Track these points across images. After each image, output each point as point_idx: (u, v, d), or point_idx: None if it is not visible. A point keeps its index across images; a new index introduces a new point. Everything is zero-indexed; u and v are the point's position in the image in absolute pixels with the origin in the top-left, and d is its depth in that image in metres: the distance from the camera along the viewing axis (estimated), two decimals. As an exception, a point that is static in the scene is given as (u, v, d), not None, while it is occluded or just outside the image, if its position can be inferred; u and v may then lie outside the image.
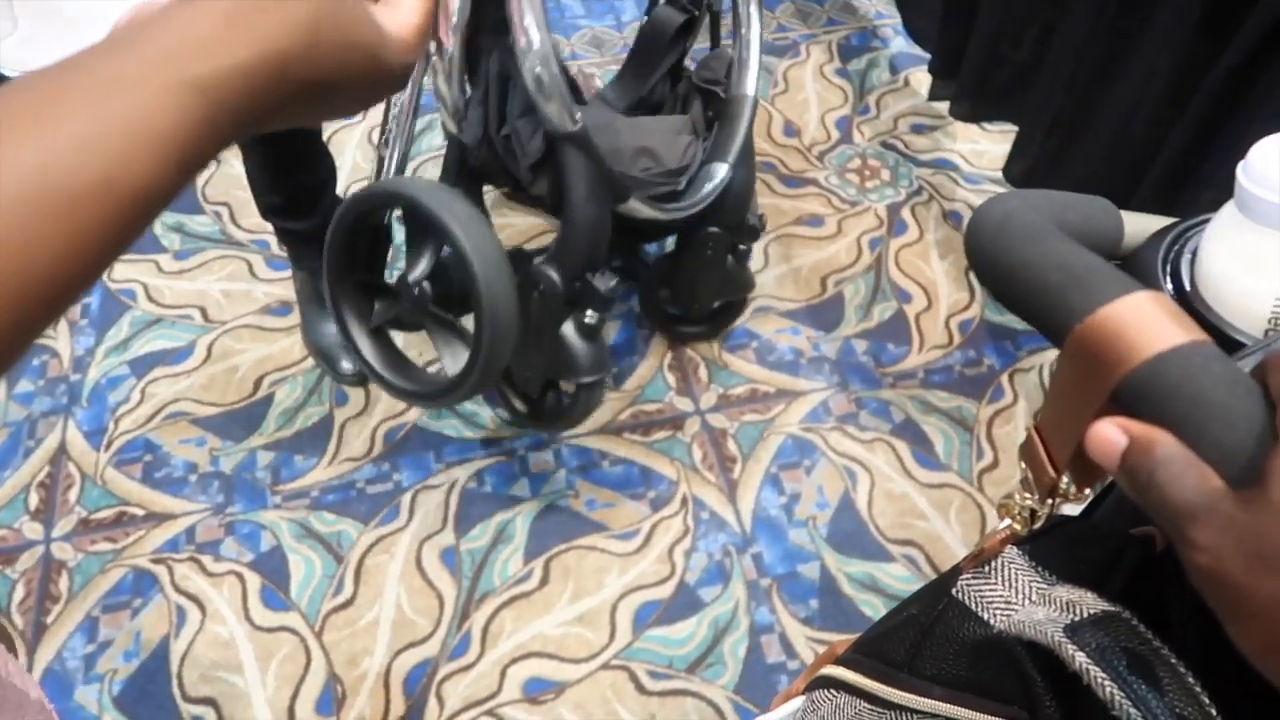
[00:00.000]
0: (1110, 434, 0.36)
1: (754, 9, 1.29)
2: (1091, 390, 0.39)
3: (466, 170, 1.16)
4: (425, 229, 1.06)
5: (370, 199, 1.10)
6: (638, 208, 1.16)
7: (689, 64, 1.35)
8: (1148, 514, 0.35)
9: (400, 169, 1.24)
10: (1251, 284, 0.43)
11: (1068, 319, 0.40)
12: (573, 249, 1.10)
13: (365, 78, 0.37)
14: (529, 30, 0.99)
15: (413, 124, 1.20)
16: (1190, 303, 0.46)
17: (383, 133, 1.22)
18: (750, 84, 1.29)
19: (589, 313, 1.18)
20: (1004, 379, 1.51)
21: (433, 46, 1.08)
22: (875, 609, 1.28)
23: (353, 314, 1.16)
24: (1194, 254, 0.47)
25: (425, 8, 0.41)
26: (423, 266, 1.09)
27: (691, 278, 1.38)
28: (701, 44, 1.35)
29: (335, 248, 1.12)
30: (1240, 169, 0.43)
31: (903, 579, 1.31)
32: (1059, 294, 0.41)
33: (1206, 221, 0.48)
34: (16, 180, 0.26)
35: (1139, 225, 0.52)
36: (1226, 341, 0.44)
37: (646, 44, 1.29)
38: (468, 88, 1.14)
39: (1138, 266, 0.49)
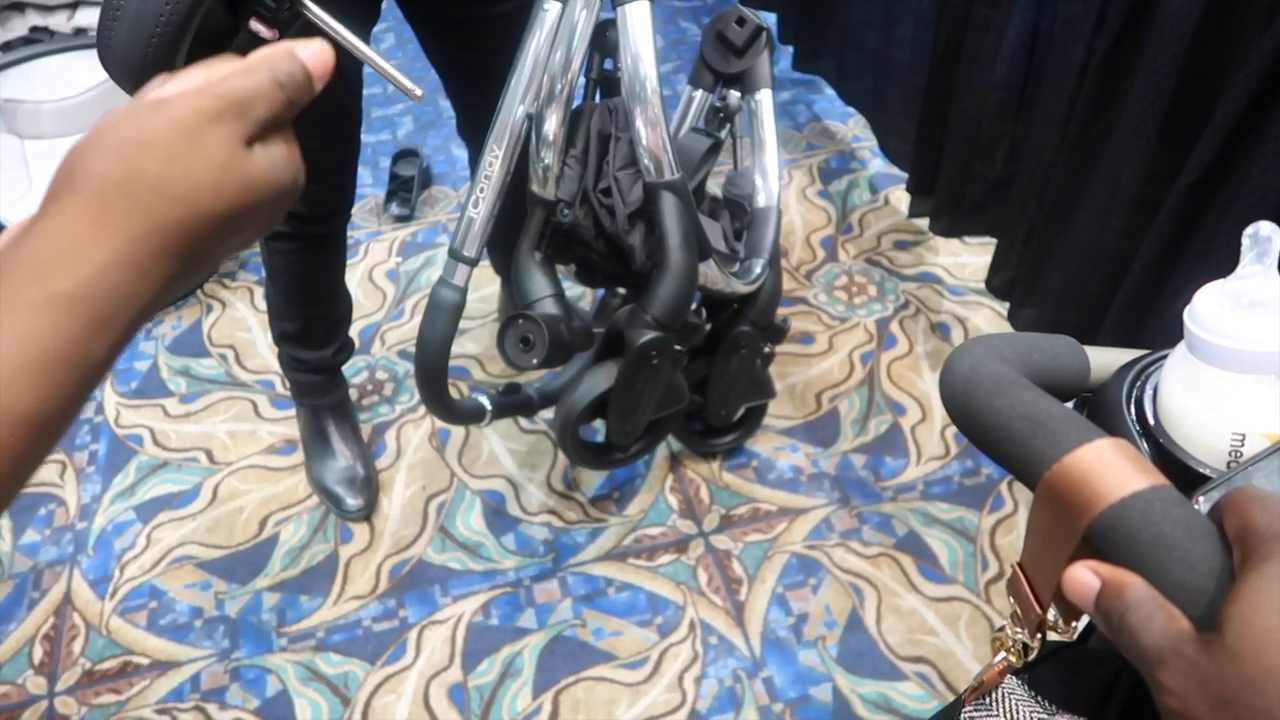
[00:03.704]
0: (1084, 578, 0.38)
1: (769, 131, 1.40)
2: (1065, 532, 0.41)
3: (549, 232, 1.20)
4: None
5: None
6: (713, 273, 1.24)
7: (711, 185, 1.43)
8: (1122, 653, 0.37)
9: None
10: (1208, 419, 0.46)
11: (1036, 466, 0.42)
12: (669, 294, 1.15)
13: (264, 205, 0.35)
14: (646, 82, 1.08)
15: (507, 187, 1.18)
16: (1155, 437, 0.48)
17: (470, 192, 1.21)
18: (774, 195, 1.41)
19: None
20: (1003, 488, 1.52)
21: (530, 112, 1.13)
22: (891, 731, 1.27)
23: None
24: (1155, 389, 0.50)
25: (294, 150, 0.39)
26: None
27: (726, 379, 1.44)
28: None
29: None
30: (1186, 313, 0.46)
31: (917, 698, 1.29)
32: (1025, 442, 0.43)
33: (1166, 356, 0.51)
34: None
35: (1104, 359, 0.55)
36: (1191, 474, 0.46)
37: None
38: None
39: (1104, 402, 0.51)
